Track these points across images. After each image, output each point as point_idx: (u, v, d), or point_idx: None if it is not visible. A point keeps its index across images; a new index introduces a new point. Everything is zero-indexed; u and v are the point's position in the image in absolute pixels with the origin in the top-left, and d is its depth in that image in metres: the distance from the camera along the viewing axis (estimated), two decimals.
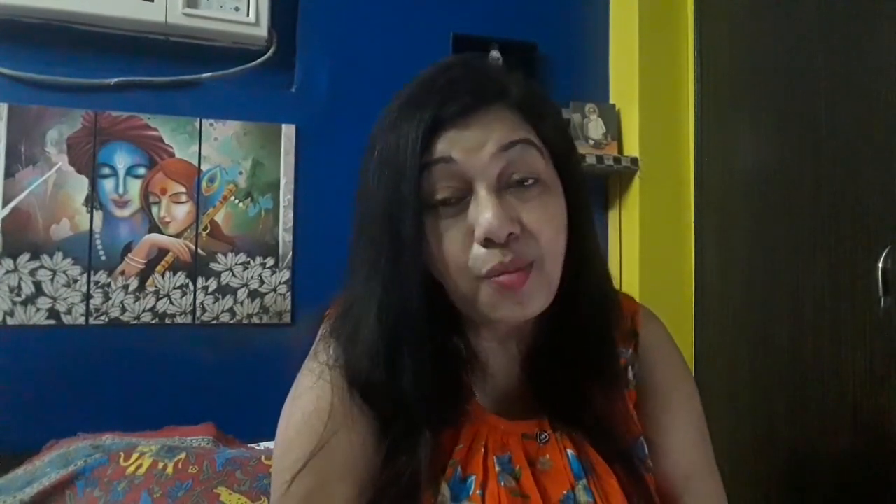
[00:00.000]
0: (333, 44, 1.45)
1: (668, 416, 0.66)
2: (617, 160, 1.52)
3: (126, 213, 1.29)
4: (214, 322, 1.32)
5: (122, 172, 1.29)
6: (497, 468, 0.56)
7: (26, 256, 1.23)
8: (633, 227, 1.55)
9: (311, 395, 0.57)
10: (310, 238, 1.39)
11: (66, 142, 1.26)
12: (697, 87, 1.55)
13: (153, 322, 1.29)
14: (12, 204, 1.23)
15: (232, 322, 1.33)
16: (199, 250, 1.32)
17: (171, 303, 1.30)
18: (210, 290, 1.32)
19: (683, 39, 1.59)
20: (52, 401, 1.21)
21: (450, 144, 0.52)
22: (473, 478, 0.56)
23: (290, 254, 1.38)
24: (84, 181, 1.27)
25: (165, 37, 1.33)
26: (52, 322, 1.23)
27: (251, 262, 1.35)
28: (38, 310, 1.23)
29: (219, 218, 1.34)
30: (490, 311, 0.54)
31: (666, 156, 1.56)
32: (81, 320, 1.25)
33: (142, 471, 0.92)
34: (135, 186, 1.30)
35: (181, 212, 1.32)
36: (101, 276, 1.26)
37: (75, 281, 1.25)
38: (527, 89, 0.57)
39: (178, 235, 1.31)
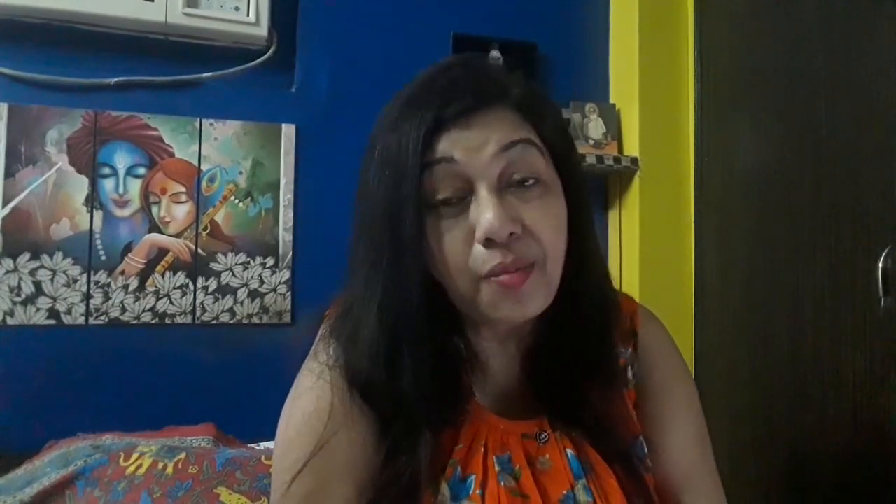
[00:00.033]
0: (333, 44, 1.45)
1: (667, 416, 0.66)
2: (617, 160, 1.52)
3: (126, 212, 1.29)
4: (214, 322, 1.32)
5: (122, 172, 1.29)
6: (497, 468, 0.56)
7: (26, 256, 1.23)
8: (633, 227, 1.55)
9: (311, 395, 0.57)
10: (310, 238, 1.39)
11: (66, 141, 1.26)
12: (697, 86, 1.55)
13: (153, 322, 1.29)
14: (12, 204, 1.23)
15: (232, 322, 1.33)
16: (199, 250, 1.32)
17: (171, 303, 1.30)
18: (210, 289, 1.32)
19: (683, 39, 1.59)
20: (52, 401, 1.21)
21: (451, 144, 0.52)
22: (473, 477, 0.56)
23: (290, 254, 1.38)
24: (84, 181, 1.27)
25: (165, 37, 1.33)
26: (52, 322, 1.23)
27: (251, 261, 1.35)
28: (38, 310, 1.23)
29: (219, 218, 1.34)
30: (490, 311, 0.54)
31: (666, 156, 1.56)
32: (81, 320, 1.25)
33: (142, 471, 0.92)
34: (135, 186, 1.30)
35: (181, 212, 1.32)
36: (101, 276, 1.26)
37: (75, 281, 1.25)
38: (527, 89, 0.57)
39: (178, 235, 1.32)
